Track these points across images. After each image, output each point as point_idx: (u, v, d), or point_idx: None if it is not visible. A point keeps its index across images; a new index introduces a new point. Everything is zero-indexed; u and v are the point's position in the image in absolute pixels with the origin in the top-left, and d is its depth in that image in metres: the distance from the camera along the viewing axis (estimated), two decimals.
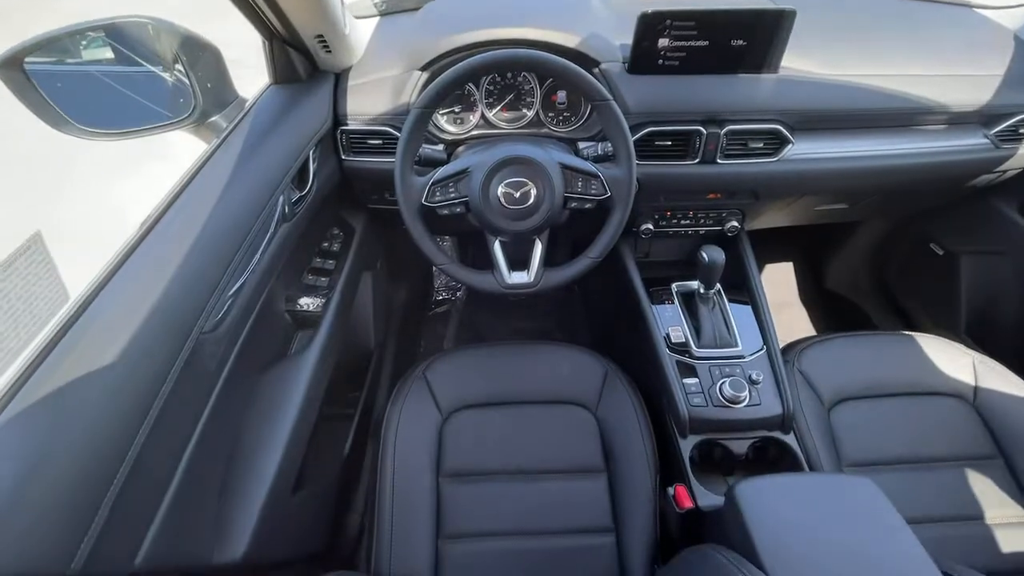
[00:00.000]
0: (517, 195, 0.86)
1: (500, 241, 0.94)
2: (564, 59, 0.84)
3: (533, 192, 0.86)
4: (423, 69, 1.02)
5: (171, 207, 0.72)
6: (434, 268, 1.82)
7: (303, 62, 1.00)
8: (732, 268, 1.20)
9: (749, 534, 0.66)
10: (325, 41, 0.96)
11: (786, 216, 1.38)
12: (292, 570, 0.93)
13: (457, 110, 1.11)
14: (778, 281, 1.92)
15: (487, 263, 0.97)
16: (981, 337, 1.42)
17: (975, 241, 1.39)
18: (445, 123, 1.11)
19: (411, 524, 0.91)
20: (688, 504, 0.89)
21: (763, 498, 0.70)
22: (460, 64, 0.84)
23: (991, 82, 1.07)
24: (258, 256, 0.85)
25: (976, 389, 1.09)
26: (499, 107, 1.12)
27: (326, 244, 1.14)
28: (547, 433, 1.03)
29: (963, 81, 1.08)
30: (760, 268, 1.82)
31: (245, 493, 0.78)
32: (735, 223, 1.19)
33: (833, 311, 1.86)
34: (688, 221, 1.20)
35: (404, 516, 0.91)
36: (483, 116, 1.11)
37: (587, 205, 0.90)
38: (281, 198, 0.89)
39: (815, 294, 1.87)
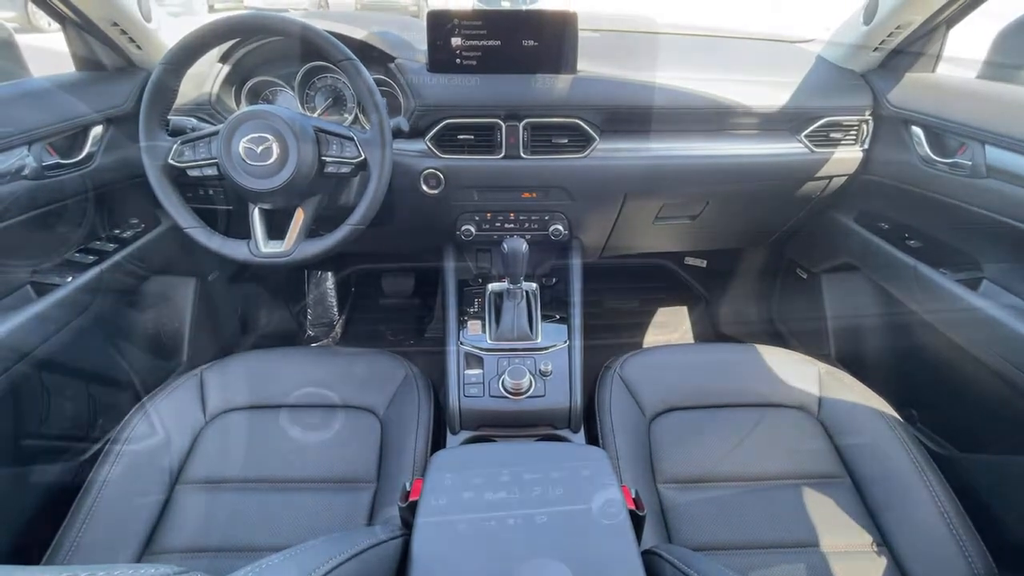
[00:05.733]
0: (258, 151, 0.83)
1: (260, 208, 0.89)
2: (306, 22, 0.85)
3: (275, 148, 0.83)
4: (222, 60, 1.05)
5: None
6: (306, 301, 1.75)
7: (108, 53, 1.03)
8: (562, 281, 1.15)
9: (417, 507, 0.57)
10: (128, 34, 0.99)
11: (645, 235, 1.34)
12: None
13: None
14: (675, 327, 1.84)
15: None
16: (852, 359, 1.32)
17: (829, 258, 1.35)
18: None
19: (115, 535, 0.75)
20: (415, 496, 0.75)
21: (446, 470, 0.61)
22: (199, 26, 0.85)
23: (793, 88, 1.10)
24: None
25: (821, 400, 0.98)
26: (320, 111, 1.13)
27: (117, 231, 1.08)
28: (323, 440, 0.90)
29: (766, 85, 1.10)
30: (653, 311, 1.76)
31: None
32: (559, 227, 1.15)
33: None
34: (512, 225, 1.16)
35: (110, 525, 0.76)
36: None
37: (344, 169, 0.87)
38: (25, 151, 0.85)
39: (711, 339, 1.78)
